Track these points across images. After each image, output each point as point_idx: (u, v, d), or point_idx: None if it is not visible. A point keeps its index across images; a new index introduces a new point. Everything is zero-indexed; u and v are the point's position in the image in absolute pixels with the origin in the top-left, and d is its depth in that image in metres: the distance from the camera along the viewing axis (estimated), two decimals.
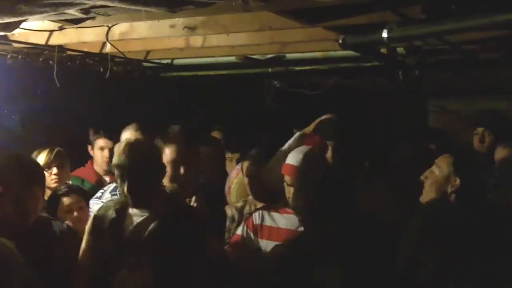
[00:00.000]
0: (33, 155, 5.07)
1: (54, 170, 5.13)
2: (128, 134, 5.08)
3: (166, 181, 4.34)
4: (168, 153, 4.45)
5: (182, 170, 4.44)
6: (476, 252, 3.09)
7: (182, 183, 4.40)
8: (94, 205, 4.90)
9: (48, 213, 4.34)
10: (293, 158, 4.41)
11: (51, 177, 5.10)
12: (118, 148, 3.97)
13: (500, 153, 5.01)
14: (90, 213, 4.58)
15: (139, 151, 3.90)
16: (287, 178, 4.30)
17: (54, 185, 5.06)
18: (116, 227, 3.91)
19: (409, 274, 3.23)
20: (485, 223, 3.19)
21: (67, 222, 4.47)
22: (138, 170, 3.84)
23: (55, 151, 5.17)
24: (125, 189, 3.86)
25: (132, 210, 3.93)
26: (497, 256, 3.09)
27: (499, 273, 3.03)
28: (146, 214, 3.88)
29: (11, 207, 3.68)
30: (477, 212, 3.30)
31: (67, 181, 5.22)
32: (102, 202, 4.89)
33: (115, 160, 3.95)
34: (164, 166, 4.07)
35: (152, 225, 3.83)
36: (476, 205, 3.41)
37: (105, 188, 5.08)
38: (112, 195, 4.86)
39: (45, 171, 5.02)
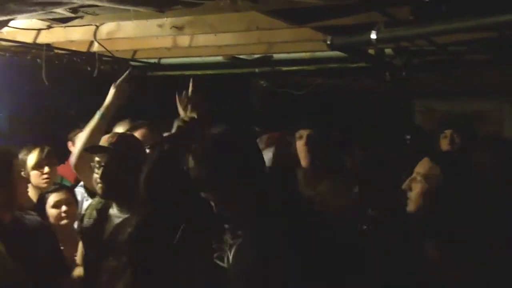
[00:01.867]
0: (22, 154, 5.03)
1: (46, 169, 5.07)
2: (120, 130, 5.07)
3: None
4: None
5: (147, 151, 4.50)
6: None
7: None
8: (78, 194, 4.94)
9: (37, 211, 4.34)
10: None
11: (42, 176, 5.05)
12: (104, 137, 3.96)
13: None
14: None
15: (121, 142, 3.87)
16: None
17: (45, 185, 5.02)
18: (97, 228, 3.90)
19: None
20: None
21: (59, 218, 4.57)
22: (116, 158, 3.80)
23: (46, 150, 5.13)
24: (99, 175, 3.82)
25: (112, 211, 3.91)
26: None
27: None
28: (126, 215, 3.85)
29: None
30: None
31: (55, 181, 5.21)
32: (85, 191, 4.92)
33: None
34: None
35: (130, 226, 3.79)
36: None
37: None
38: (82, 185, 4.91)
39: (36, 170, 5.02)
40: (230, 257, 3.04)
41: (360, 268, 3.53)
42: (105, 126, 4.35)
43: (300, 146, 4.80)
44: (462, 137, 5.34)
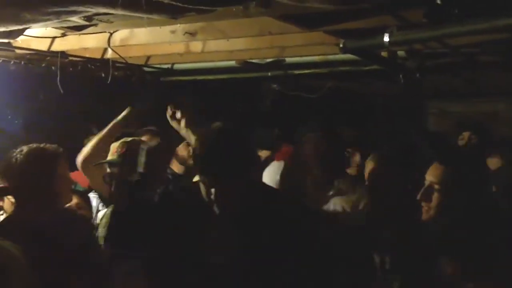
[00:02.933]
0: None
1: None
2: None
3: None
4: None
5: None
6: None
7: None
8: (93, 200, 4.96)
9: None
10: (270, 181, 4.46)
11: None
12: (113, 146, 3.96)
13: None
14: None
15: (132, 150, 3.88)
16: None
17: None
18: (112, 235, 3.91)
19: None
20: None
21: None
22: (128, 169, 3.82)
23: None
24: (113, 188, 3.83)
25: None
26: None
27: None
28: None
29: None
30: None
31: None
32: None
33: (108, 157, 3.94)
34: (157, 170, 4.05)
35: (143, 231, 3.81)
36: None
37: None
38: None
39: None
40: (233, 254, 3.12)
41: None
42: (113, 137, 4.41)
43: (308, 150, 4.81)
44: (479, 138, 5.35)
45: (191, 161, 5.74)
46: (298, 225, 3.18)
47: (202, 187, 3.21)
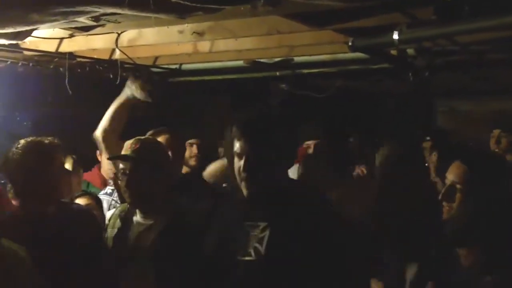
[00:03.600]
0: None
1: None
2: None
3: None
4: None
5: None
6: None
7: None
8: (104, 201, 4.95)
9: None
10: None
11: None
12: (127, 143, 3.95)
13: None
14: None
15: (146, 148, 3.86)
16: None
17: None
18: (121, 236, 3.89)
19: None
20: None
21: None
22: (140, 165, 3.78)
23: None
24: (124, 183, 3.82)
25: (136, 218, 3.88)
26: None
27: None
28: (150, 222, 3.82)
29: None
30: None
31: (80, 189, 5.24)
32: (113, 199, 4.94)
33: (122, 153, 3.93)
34: (170, 172, 4.04)
35: (154, 235, 3.77)
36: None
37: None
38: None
39: None
40: (262, 249, 3.07)
41: None
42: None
43: (310, 151, 4.81)
44: (508, 137, 5.35)
45: (193, 162, 5.80)
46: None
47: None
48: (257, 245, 3.09)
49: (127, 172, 3.80)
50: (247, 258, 3.10)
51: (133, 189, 3.79)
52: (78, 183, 5.25)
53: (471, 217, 2.97)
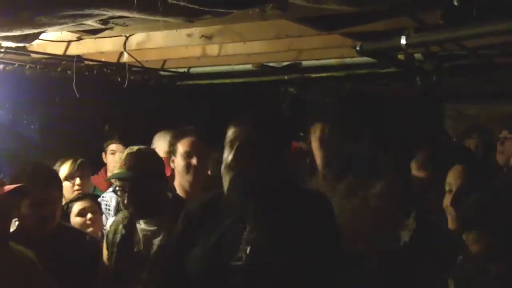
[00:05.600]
0: (56, 165, 5.11)
1: (77, 180, 5.15)
2: (161, 142, 5.12)
3: (178, 175, 4.42)
4: (180, 146, 4.66)
5: (194, 161, 4.58)
6: None
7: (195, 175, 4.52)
8: (113, 199, 4.97)
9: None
10: None
11: (73, 188, 5.12)
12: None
13: None
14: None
15: (139, 162, 3.85)
16: None
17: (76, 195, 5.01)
18: (126, 244, 3.90)
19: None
20: None
21: (84, 227, 4.57)
22: (138, 182, 3.80)
23: (78, 161, 5.20)
24: (125, 201, 3.83)
25: (139, 225, 3.90)
26: None
27: None
28: (153, 227, 3.85)
29: (29, 212, 3.73)
30: None
31: (88, 192, 5.25)
32: (104, 201, 4.94)
33: (116, 171, 3.94)
34: (165, 175, 4.04)
35: (159, 238, 3.81)
36: None
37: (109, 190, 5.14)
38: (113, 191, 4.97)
39: (68, 181, 5.07)
40: (252, 252, 3.01)
41: None
42: None
43: (314, 142, 4.73)
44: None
45: None
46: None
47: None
48: (247, 248, 3.02)
49: (126, 189, 3.81)
50: (237, 263, 3.03)
51: (134, 205, 3.82)
52: (86, 187, 5.25)
53: (480, 203, 2.96)
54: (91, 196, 4.95)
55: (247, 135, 3.07)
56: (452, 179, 3.32)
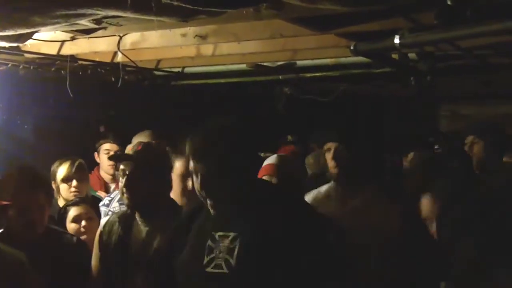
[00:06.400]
0: (54, 166, 5.09)
1: (74, 182, 5.08)
2: (140, 139, 5.07)
3: (175, 196, 4.30)
4: (178, 167, 4.46)
5: (190, 184, 4.37)
6: None
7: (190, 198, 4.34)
8: (102, 212, 4.91)
9: (57, 224, 4.35)
10: (270, 159, 4.48)
11: (70, 190, 5.07)
12: (129, 146, 3.95)
13: None
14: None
15: (148, 150, 3.84)
16: (266, 178, 4.30)
17: (73, 198, 4.96)
18: (123, 244, 3.86)
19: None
20: None
21: (78, 233, 4.48)
22: (141, 166, 3.76)
23: (76, 163, 5.14)
24: (123, 184, 3.80)
25: (136, 224, 3.86)
26: None
27: None
28: (150, 228, 3.81)
29: (16, 217, 3.70)
30: None
31: (86, 193, 5.23)
32: (110, 210, 4.89)
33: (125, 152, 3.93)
34: (170, 177, 4.01)
35: (156, 240, 3.77)
36: None
37: (112, 196, 5.08)
38: (120, 204, 4.85)
39: (65, 183, 5.04)
40: (233, 261, 2.99)
41: None
42: None
43: (328, 160, 4.73)
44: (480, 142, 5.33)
45: None
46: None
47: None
48: (227, 257, 3.00)
49: (127, 172, 3.78)
50: (218, 271, 3.01)
51: (132, 190, 3.76)
52: (83, 188, 5.21)
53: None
54: (88, 201, 4.87)
55: (205, 166, 3.09)
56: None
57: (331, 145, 4.39)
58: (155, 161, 3.83)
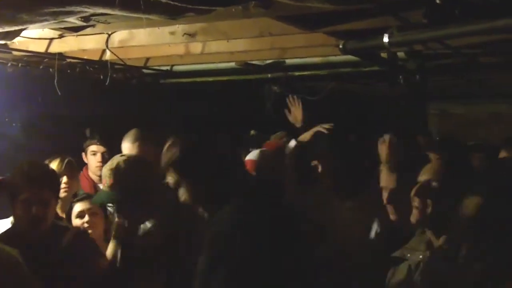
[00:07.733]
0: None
1: (64, 179, 5.08)
2: (127, 146, 5.06)
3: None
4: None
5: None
6: None
7: None
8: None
9: (67, 220, 4.42)
10: (251, 155, 4.65)
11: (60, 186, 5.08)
12: (105, 173, 3.90)
13: None
14: None
15: (122, 178, 3.82)
16: None
17: (63, 194, 4.95)
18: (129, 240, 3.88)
19: None
20: None
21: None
22: (128, 201, 3.77)
23: (65, 160, 5.15)
24: (118, 220, 3.82)
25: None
26: None
27: None
28: (148, 226, 3.84)
29: (22, 212, 3.70)
30: None
31: (76, 191, 5.26)
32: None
33: (104, 192, 3.92)
34: (158, 178, 3.99)
35: (158, 238, 3.78)
36: None
37: None
38: None
39: None
40: None
41: None
42: None
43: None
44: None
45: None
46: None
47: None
48: None
49: (117, 212, 3.81)
50: None
51: (129, 220, 3.80)
52: (74, 185, 5.21)
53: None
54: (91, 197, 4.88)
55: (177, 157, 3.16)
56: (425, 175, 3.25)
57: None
58: (134, 183, 3.82)
